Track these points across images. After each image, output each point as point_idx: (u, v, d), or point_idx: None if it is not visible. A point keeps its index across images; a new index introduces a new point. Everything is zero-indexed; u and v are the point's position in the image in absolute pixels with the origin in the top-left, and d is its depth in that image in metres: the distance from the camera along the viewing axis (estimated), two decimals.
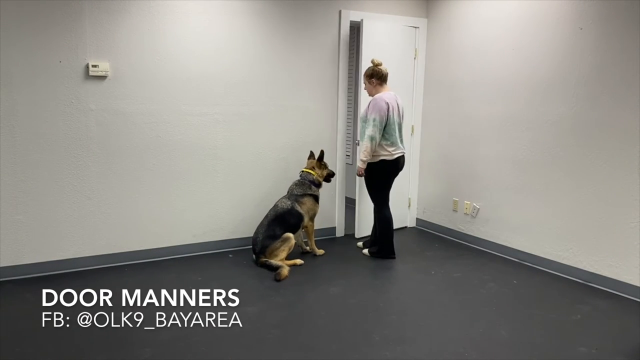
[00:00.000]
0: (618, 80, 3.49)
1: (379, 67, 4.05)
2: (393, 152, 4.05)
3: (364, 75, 4.13)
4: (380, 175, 4.13)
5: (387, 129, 3.99)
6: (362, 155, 4.03)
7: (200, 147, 4.19)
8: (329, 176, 4.43)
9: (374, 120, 3.92)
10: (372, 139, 3.94)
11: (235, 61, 4.23)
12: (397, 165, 4.13)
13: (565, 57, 3.79)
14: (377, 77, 4.04)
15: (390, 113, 3.97)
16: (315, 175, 4.27)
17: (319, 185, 4.29)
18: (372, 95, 4.09)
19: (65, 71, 3.64)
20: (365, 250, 4.39)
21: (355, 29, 4.89)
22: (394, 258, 4.26)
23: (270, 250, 3.95)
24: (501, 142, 4.35)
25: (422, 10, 5.01)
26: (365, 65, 4.31)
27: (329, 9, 4.54)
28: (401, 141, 4.12)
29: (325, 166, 4.37)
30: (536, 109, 4.03)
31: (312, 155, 4.38)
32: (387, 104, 3.95)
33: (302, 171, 4.31)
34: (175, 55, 3.98)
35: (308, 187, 4.22)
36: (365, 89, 4.20)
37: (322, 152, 4.32)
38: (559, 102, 3.86)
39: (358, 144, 4.28)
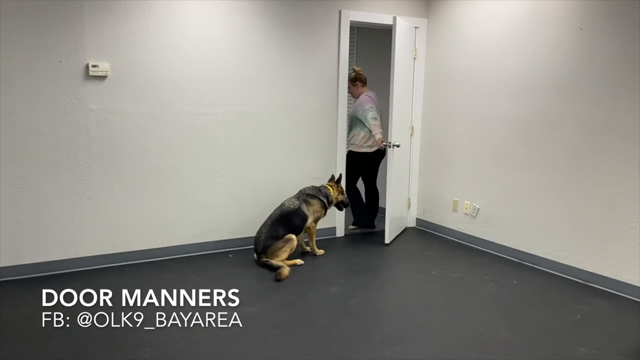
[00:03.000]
0: (618, 80, 3.49)
1: (360, 72, 4.83)
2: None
3: (349, 80, 4.79)
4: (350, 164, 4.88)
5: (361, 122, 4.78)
6: (377, 132, 4.67)
7: (200, 147, 4.19)
8: (341, 203, 4.50)
9: (371, 107, 4.68)
10: (375, 118, 4.66)
11: (235, 61, 4.23)
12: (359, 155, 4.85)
13: (565, 57, 3.79)
14: (360, 80, 4.84)
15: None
16: (331, 192, 4.36)
17: (330, 202, 4.36)
18: (358, 96, 4.90)
19: (65, 71, 3.64)
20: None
21: (356, 29, 4.89)
22: (372, 228, 5.07)
23: (272, 251, 3.94)
24: (501, 142, 4.35)
25: (422, 10, 5.01)
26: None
27: (329, 9, 4.54)
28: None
29: (341, 191, 4.45)
30: (536, 109, 4.03)
31: (332, 178, 4.50)
32: (371, 99, 4.79)
33: (322, 185, 4.42)
34: (175, 55, 3.99)
35: (322, 194, 4.29)
36: (349, 91, 4.89)
37: (340, 175, 4.53)
38: (558, 102, 3.86)
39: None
